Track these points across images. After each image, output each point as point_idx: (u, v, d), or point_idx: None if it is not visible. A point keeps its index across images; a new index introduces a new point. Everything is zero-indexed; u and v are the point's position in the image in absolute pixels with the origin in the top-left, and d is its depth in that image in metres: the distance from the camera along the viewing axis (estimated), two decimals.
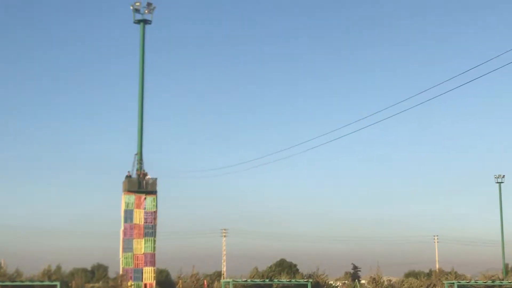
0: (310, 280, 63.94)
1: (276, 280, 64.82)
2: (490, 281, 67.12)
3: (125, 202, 63.78)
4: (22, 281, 59.04)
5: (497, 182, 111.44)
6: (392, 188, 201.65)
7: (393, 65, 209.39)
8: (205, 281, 65.19)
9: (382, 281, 68.62)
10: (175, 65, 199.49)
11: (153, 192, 64.22)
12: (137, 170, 64.69)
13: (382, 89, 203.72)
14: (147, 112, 66.88)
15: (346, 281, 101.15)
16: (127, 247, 62.78)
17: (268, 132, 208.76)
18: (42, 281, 59.35)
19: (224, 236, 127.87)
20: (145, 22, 67.05)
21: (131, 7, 66.77)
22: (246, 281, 63.15)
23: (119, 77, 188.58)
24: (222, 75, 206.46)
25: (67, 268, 67.18)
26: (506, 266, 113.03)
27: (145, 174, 64.42)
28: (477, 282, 67.68)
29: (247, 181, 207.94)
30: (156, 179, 64.63)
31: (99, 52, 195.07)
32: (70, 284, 65.39)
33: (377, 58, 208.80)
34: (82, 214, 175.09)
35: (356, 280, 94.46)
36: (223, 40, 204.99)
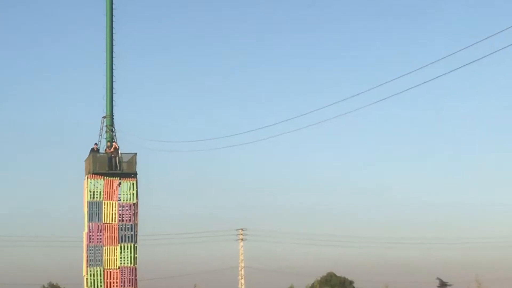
0: None
1: None
2: None
3: (90, 191, 45.57)
4: None
5: None
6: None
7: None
8: None
9: None
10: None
11: (131, 174, 45.89)
12: (107, 141, 45.00)
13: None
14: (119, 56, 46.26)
15: None
16: (94, 259, 45.66)
17: (287, 94, 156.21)
18: None
19: (241, 239, 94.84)
20: None
21: None
22: None
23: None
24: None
25: None
26: None
27: (117, 148, 44.62)
28: None
29: (269, 155, 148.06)
30: (135, 154, 45.88)
31: None
32: None
33: None
34: (25, 210, 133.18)
35: None
36: None
